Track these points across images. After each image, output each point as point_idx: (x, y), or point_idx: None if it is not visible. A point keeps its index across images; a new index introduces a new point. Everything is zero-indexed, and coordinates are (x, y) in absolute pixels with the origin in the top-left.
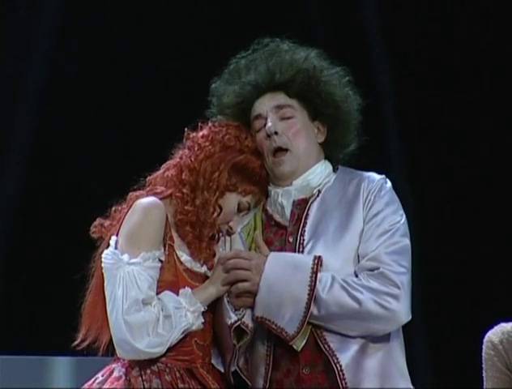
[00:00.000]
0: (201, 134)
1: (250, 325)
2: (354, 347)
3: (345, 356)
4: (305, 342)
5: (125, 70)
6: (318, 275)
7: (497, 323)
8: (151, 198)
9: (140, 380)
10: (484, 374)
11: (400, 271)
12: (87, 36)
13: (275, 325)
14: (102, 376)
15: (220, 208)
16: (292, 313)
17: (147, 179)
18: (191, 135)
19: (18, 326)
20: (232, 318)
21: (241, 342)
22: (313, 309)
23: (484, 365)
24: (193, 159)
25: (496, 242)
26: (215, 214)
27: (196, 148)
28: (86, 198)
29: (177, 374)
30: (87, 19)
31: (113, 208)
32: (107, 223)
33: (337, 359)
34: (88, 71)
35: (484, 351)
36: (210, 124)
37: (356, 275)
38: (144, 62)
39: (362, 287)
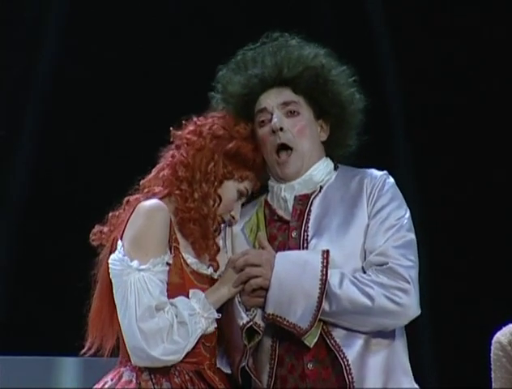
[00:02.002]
0: (187, 130)
1: (262, 325)
2: (359, 342)
3: (352, 352)
4: (316, 339)
5: (130, 70)
6: (328, 270)
7: (505, 324)
8: (154, 201)
9: (151, 383)
10: (492, 375)
11: (409, 265)
12: (93, 37)
13: (287, 321)
14: (111, 380)
15: (220, 199)
16: (304, 308)
17: (141, 183)
18: (178, 134)
19: (25, 327)
20: (243, 318)
21: (252, 342)
22: (325, 305)
23: (492, 366)
24: (185, 155)
25: (504, 242)
26: (216, 205)
27: (186, 144)
28: (92, 201)
29: (187, 377)
30: (93, 19)
31: (110, 214)
32: (106, 229)
33: (344, 354)
34: (94, 72)
35: (492, 352)
36: (194, 119)
37: (364, 271)
38: (150, 63)
39: (372, 282)
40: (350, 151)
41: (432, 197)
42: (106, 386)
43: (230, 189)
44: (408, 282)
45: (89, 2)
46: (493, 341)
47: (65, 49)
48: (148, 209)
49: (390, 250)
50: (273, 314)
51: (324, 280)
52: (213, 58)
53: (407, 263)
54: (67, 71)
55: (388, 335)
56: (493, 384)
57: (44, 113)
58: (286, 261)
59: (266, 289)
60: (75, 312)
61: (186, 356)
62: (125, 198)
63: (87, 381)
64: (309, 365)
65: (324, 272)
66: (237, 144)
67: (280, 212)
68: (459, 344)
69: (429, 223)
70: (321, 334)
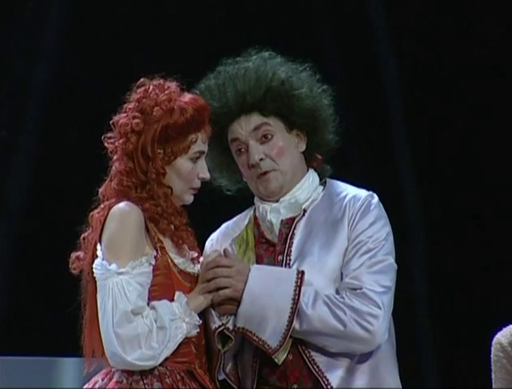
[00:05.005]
0: (113, 137)
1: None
2: (343, 367)
3: (335, 378)
4: (286, 356)
5: (130, 70)
6: (302, 288)
7: (505, 325)
8: (125, 203)
9: (142, 384)
10: (492, 376)
11: (382, 291)
12: (93, 37)
13: (257, 337)
14: (102, 380)
15: (170, 188)
16: (275, 326)
17: (100, 192)
18: (115, 120)
19: (25, 327)
20: (216, 322)
21: (226, 347)
22: (296, 324)
23: (492, 367)
24: (123, 166)
25: (505, 242)
26: (168, 198)
27: (117, 151)
28: (93, 201)
29: (178, 377)
30: (93, 19)
31: (81, 237)
32: (81, 254)
33: (327, 380)
34: (94, 72)
35: (492, 353)
36: (112, 120)
37: (338, 293)
38: (150, 63)
39: (345, 305)
40: (333, 146)
41: (432, 197)
42: (97, 385)
43: (180, 164)
44: (380, 308)
45: (89, 2)
46: (494, 342)
47: (65, 50)
48: (120, 212)
49: (364, 275)
50: (243, 328)
51: (296, 300)
52: (214, 59)
53: (380, 289)
54: (67, 72)
55: (372, 357)
56: (494, 385)
57: (44, 113)
58: (260, 276)
59: (236, 300)
60: (75, 312)
61: (177, 356)
62: (90, 214)
63: (87, 381)
64: (294, 387)
65: (297, 292)
66: (163, 123)
67: (267, 235)
68: (459, 345)
69: (429, 223)
70: (302, 358)
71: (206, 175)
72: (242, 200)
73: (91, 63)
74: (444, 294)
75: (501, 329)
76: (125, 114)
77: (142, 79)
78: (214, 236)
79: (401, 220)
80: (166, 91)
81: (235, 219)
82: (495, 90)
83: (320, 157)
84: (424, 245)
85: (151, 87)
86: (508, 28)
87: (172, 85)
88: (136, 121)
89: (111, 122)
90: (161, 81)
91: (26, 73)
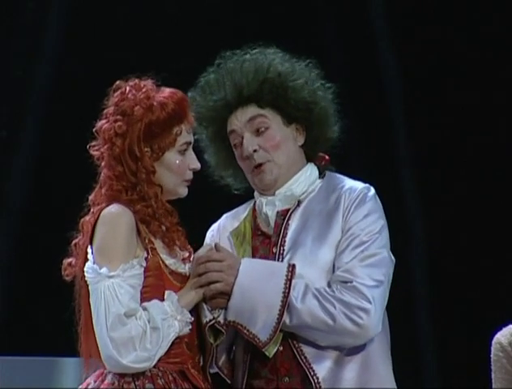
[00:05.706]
0: (98, 141)
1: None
2: (331, 358)
3: (322, 368)
4: (276, 349)
5: (131, 70)
6: (292, 282)
7: (505, 325)
8: (116, 206)
9: (133, 385)
10: (492, 376)
11: (373, 285)
12: (94, 37)
13: (248, 330)
14: (94, 382)
15: (161, 187)
16: (265, 319)
17: (90, 199)
18: (97, 127)
19: (25, 327)
20: (207, 316)
21: (218, 341)
22: (286, 318)
23: (492, 367)
24: (111, 171)
25: (504, 242)
26: (159, 196)
27: (103, 157)
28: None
29: (170, 377)
30: (94, 19)
31: (73, 243)
32: (73, 260)
33: (314, 371)
34: (94, 72)
35: (492, 352)
36: (94, 127)
37: (329, 286)
38: (153, 65)
39: (335, 299)
40: (333, 143)
41: (432, 197)
42: (90, 387)
43: (170, 159)
44: (370, 302)
45: (89, 2)
46: (493, 342)
47: (65, 49)
48: (111, 216)
49: (356, 269)
50: (234, 322)
51: (287, 294)
52: (214, 59)
53: (372, 283)
54: (67, 72)
55: (364, 349)
56: (493, 385)
57: (44, 113)
58: (251, 269)
59: (228, 294)
60: (75, 312)
61: (169, 356)
62: (81, 221)
63: None
64: (285, 380)
65: (287, 285)
66: (145, 121)
67: (263, 227)
68: (459, 345)
69: (429, 223)
70: (291, 350)
71: (197, 165)
72: (241, 199)
73: (91, 63)
74: (444, 294)
75: (500, 329)
76: (106, 120)
77: (117, 82)
78: (214, 227)
79: (401, 220)
80: (143, 90)
81: (235, 210)
82: (495, 90)
83: (327, 157)
84: (424, 245)
85: (128, 88)
86: (508, 28)
87: (148, 83)
88: (118, 124)
89: (94, 130)
90: (136, 81)
91: (26, 73)
